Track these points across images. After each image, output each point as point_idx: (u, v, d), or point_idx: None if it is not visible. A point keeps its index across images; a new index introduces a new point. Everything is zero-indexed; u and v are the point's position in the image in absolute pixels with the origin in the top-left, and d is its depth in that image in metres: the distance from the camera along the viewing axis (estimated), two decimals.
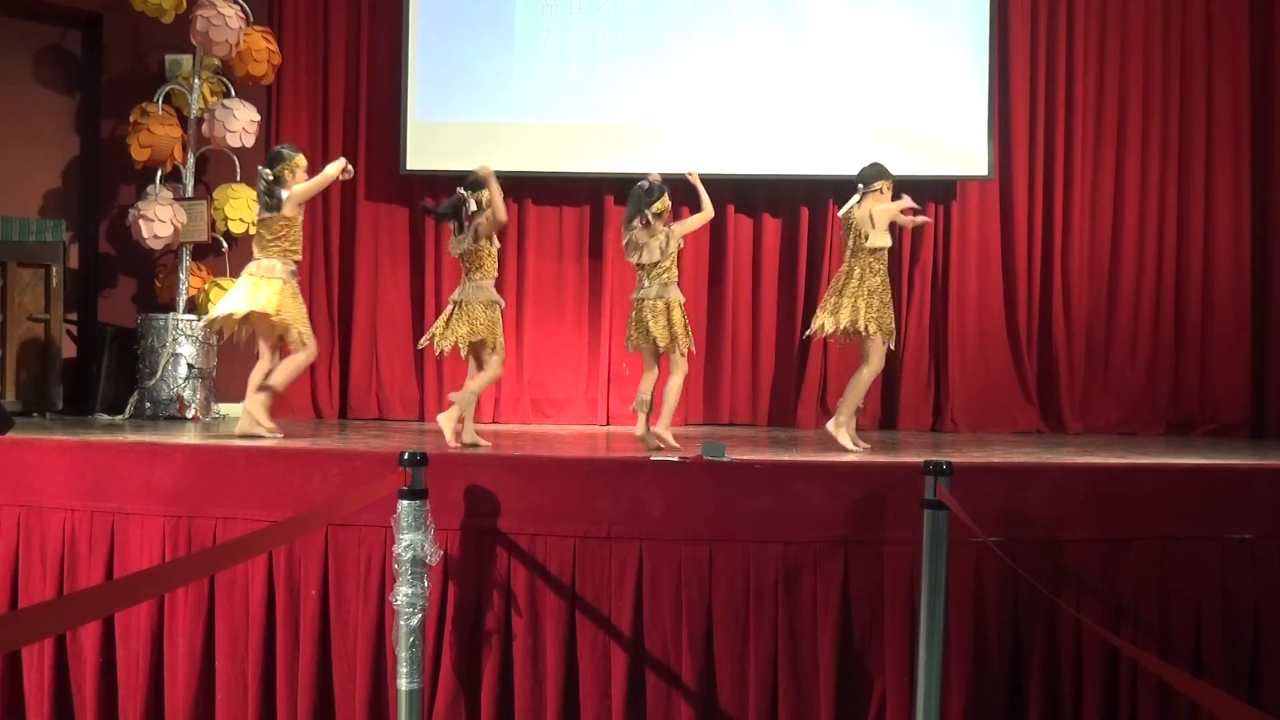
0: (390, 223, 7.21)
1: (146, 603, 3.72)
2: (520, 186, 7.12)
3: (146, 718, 3.82)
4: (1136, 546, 3.68)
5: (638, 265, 5.04)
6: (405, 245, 7.24)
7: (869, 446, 5.11)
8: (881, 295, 5.10)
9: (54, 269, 6.49)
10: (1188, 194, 7.04)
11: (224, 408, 6.81)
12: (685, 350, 5.00)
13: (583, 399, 7.14)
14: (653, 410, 5.01)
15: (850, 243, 5.20)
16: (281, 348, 5.28)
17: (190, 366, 6.52)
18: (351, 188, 7.06)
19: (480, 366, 4.98)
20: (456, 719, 3.66)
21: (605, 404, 7.09)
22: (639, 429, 5.01)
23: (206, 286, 6.61)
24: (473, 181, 5.00)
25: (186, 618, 3.79)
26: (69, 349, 6.82)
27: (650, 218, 4.99)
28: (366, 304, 7.18)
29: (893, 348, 5.26)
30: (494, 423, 6.88)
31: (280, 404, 7.05)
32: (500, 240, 5.18)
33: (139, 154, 6.61)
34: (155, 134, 6.57)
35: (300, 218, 5.24)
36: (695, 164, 6.85)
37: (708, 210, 5.29)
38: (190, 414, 6.47)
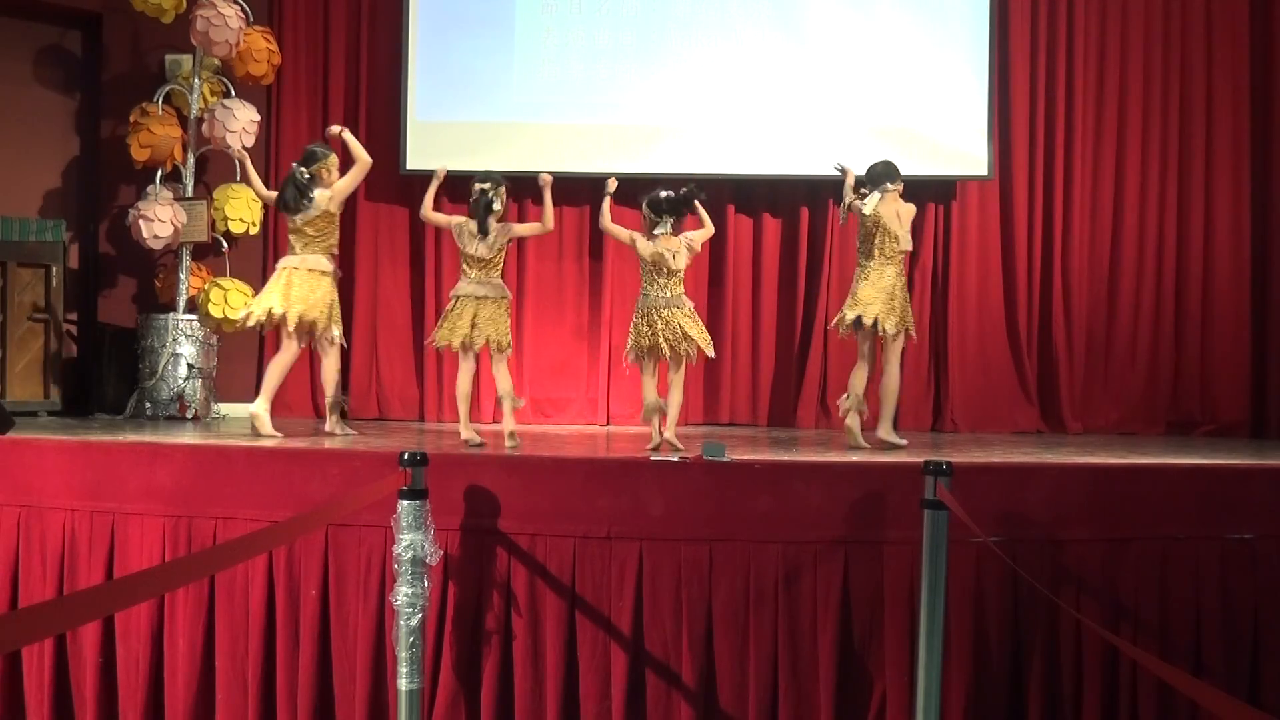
0: (390, 223, 7.21)
1: (146, 603, 3.72)
2: (520, 186, 7.11)
3: (146, 718, 3.82)
4: (1136, 546, 3.69)
5: (673, 270, 5.06)
6: (405, 245, 7.24)
7: (906, 443, 5.23)
8: (906, 296, 5.35)
9: (54, 269, 6.49)
10: (1188, 194, 7.04)
11: (224, 408, 6.81)
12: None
13: (583, 399, 7.14)
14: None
15: (878, 242, 5.25)
16: (307, 341, 5.40)
17: (190, 366, 6.52)
18: None
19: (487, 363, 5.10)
20: (456, 719, 3.66)
21: (605, 404, 7.09)
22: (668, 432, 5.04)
23: (206, 286, 6.61)
24: (483, 176, 5.13)
25: (186, 618, 3.79)
26: (69, 349, 6.83)
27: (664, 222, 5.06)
28: (366, 304, 7.18)
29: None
30: (494, 423, 6.88)
31: (280, 404, 7.07)
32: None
33: (139, 154, 6.61)
34: (155, 134, 6.57)
35: (339, 214, 5.42)
36: (695, 164, 6.93)
37: (708, 228, 5.32)
38: (190, 414, 6.47)
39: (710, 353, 5.16)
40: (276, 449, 4.36)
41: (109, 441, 4.41)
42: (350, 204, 7.17)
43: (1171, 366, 7.01)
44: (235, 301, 6.49)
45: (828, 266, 7.06)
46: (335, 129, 5.48)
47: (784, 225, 7.18)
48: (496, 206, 5.12)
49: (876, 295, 5.20)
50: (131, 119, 6.68)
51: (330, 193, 5.32)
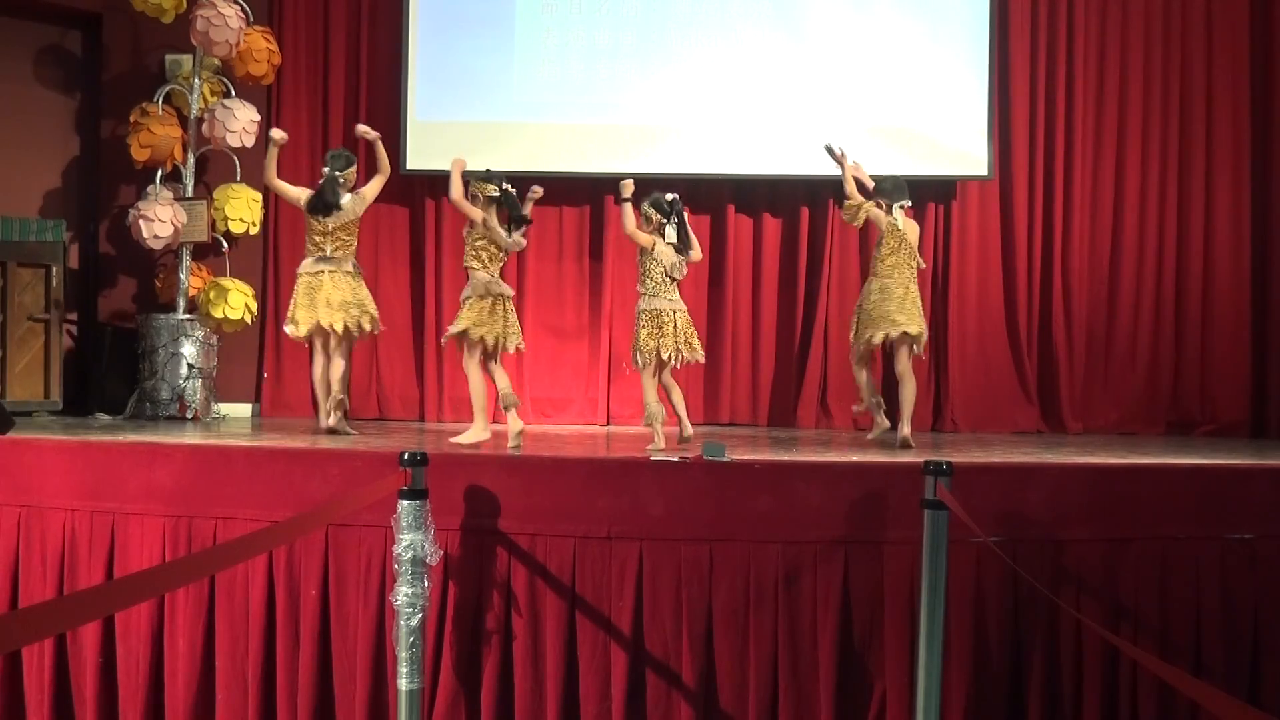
0: (390, 223, 7.21)
1: (146, 603, 3.72)
2: (521, 186, 7.11)
3: (146, 718, 3.82)
4: (1136, 546, 3.69)
5: (680, 277, 5.11)
6: (405, 245, 7.24)
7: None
8: None
9: (54, 269, 6.49)
10: (1188, 194, 7.04)
11: (224, 408, 6.81)
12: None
13: (583, 399, 7.14)
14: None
15: (905, 257, 5.44)
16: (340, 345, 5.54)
17: (190, 366, 6.52)
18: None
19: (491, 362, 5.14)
20: (456, 719, 3.66)
21: (605, 404, 7.09)
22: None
23: (206, 286, 6.61)
24: (486, 176, 5.24)
25: (186, 618, 3.79)
26: (69, 349, 6.82)
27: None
28: None
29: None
30: (494, 423, 6.87)
31: (280, 404, 7.10)
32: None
33: (139, 154, 6.61)
34: (155, 134, 6.57)
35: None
36: (695, 164, 6.94)
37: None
38: (190, 414, 6.47)
39: (702, 357, 5.29)
40: (276, 449, 4.36)
41: (109, 441, 4.41)
42: None
43: (1171, 366, 7.01)
44: (235, 302, 6.50)
45: (828, 266, 7.06)
46: (369, 133, 5.56)
47: (784, 225, 7.18)
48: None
49: (915, 312, 5.45)
50: (131, 119, 6.68)
51: (359, 197, 5.56)
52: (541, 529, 3.66)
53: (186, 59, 6.79)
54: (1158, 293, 7.03)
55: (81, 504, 3.91)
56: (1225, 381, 6.94)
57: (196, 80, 6.73)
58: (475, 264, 5.11)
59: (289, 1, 7.21)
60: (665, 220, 5.06)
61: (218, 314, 6.48)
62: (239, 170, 6.77)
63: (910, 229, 5.55)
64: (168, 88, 6.81)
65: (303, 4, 7.23)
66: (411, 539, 3.36)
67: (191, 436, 5.21)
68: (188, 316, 6.57)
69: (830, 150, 5.75)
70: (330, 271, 5.42)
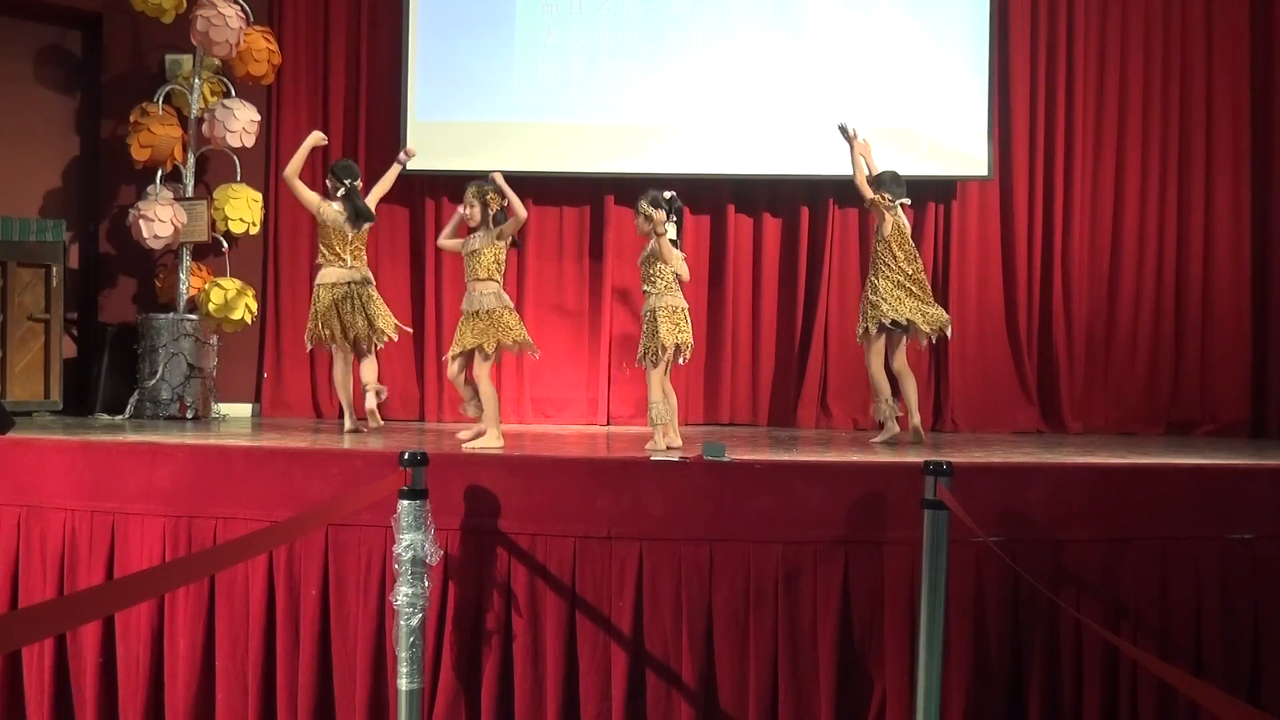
0: (390, 223, 7.21)
1: (146, 603, 3.72)
2: (520, 186, 7.09)
3: (146, 718, 3.82)
4: (1136, 546, 3.68)
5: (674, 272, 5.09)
6: (405, 245, 7.24)
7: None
8: None
9: (54, 269, 6.49)
10: (1188, 194, 7.04)
11: (224, 408, 6.81)
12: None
13: (583, 399, 7.14)
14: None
15: (909, 250, 5.62)
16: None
17: (190, 366, 6.52)
18: None
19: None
20: (456, 719, 3.66)
21: (605, 404, 7.09)
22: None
23: (206, 286, 6.61)
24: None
25: (186, 618, 3.79)
26: (69, 349, 6.82)
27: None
28: None
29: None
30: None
31: (280, 404, 7.10)
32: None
33: (139, 154, 6.61)
34: (155, 134, 6.58)
35: None
36: (696, 164, 6.94)
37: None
38: (190, 414, 6.47)
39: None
40: (276, 449, 4.36)
41: (109, 441, 4.41)
42: None
43: (1171, 366, 7.01)
44: (235, 302, 6.50)
45: (828, 266, 7.06)
46: (409, 155, 5.76)
47: (784, 225, 7.18)
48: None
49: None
50: (131, 119, 6.68)
51: (369, 203, 5.78)
52: (541, 529, 3.66)
53: (186, 59, 6.80)
54: (1158, 293, 7.03)
55: (81, 504, 3.91)
56: (1225, 381, 6.94)
57: (196, 80, 6.73)
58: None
59: (289, 1, 7.21)
60: (666, 218, 5.04)
61: (218, 314, 6.49)
62: (239, 170, 6.78)
63: (905, 224, 5.72)
64: (168, 88, 6.81)
65: (303, 4, 7.23)
66: (411, 539, 3.36)
67: (191, 436, 5.21)
68: (188, 316, 6.57)
69: (844, 129, 5.72)
70: (358, 285, 5.64)
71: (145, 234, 6.46)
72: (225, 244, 6.82)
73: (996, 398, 7.02)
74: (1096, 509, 3.70)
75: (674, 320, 5.02)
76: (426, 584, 3.39)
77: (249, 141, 6.62)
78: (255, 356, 7.15)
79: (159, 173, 6.70)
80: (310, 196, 5.68)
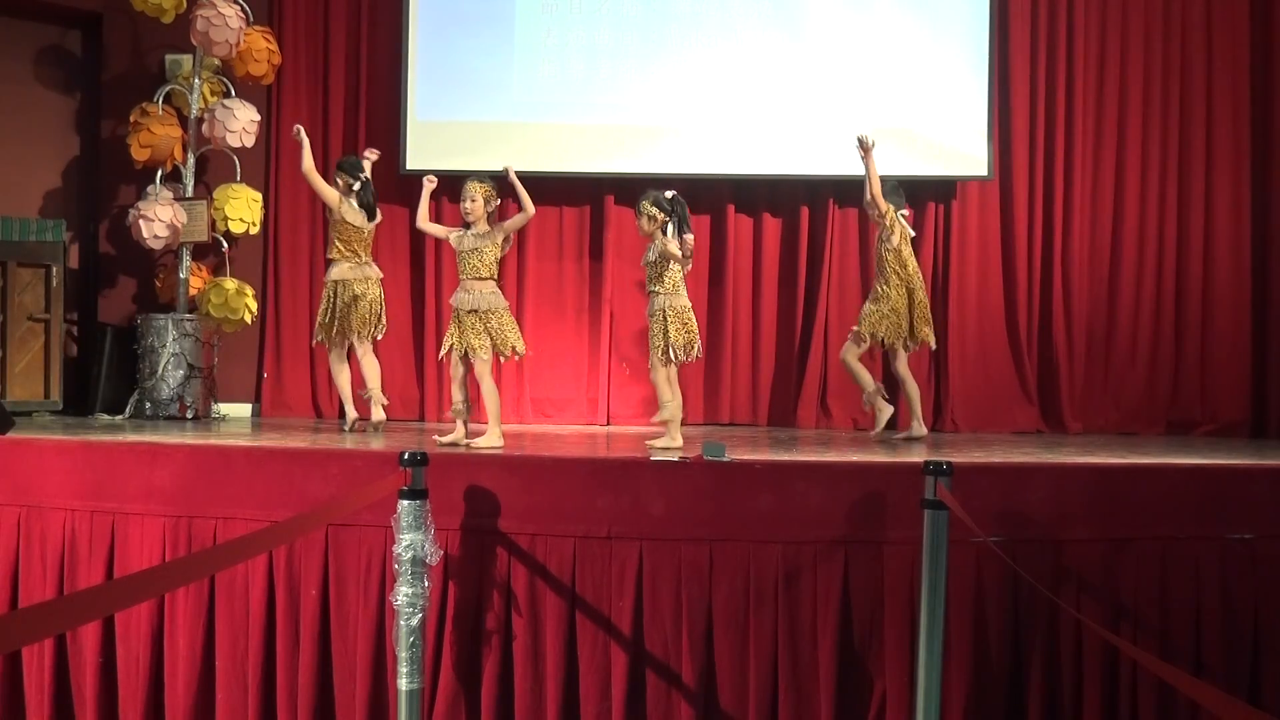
0: (390, 223, 7.18)
1: (146, 603, 3.72)
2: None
3: (146, 718, 3.82)
4: (1136, 546, 3.68)
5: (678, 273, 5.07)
6: (405, 245, 7.24)
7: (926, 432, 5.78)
8: None
9: (54, 269, 6.49)
10: (1188, 194, 7.04)
11: (224, 408, 6.81)
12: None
13: (583, 399, 7.14)
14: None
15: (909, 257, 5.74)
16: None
17: (190, 366, 6.52)
18: None
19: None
20: (456, 719, 3.66)
21: (605, 404, 7.09)
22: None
23: (206, 286, 6.61)
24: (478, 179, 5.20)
25: (186, 618, 3.79)
26: (69, 349, 6.83)
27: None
28: None
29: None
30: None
31: (280, 404, 7.10)
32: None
33: (139, 154, 6.61)
34: (155, 134, 6.58)
35: None
36: (696, 164, 6.93)
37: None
38: (190, 414, 6.47)
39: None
40: (276, 449, 4.36)
41: (109, 441, 4.41)
42: None
43: (1171, 366, 7.01)
44: (235, 302, 6.50)
45: (828, 266, 7.06)
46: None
47: (784, 225, 7.17)
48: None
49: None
50: (131, 119, 6.68)
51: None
52: (541, 529, 3.66)
53: (186, 59, 6.79)
54: (1158, 293, 7.03)
55: (81, 504, 3.91)
56: (1225, 381, 6.94)
57: (196, 80, 6.73)
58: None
59: (289, 1, 7.21)
60: (668, 219, 5.03)
61: (218, 314, 6.49)
62: (239, 170, 6.77)
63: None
64: (168, 88, 6.81)
65: (303, 4, 7.23)
66: (411, 539, 3.37)
67: (191, 436, 5.21)
68: (188, 316, 6.57)
69: (862, 141, 5.69)
70: (370, 280, 5.74)
71: (145, 234, 6.46)
72: (225, 244, 6.82)
73: (996, 398, 7.02)
74: (1096, 509, 3.70)
75: (683, 320, 5.01)
76: (426, 584, 3.40)
77: (249, 141, 6.62)
78: (255, 356, 7.15)
79: (159, 173, 6.70)
80: (331, 192, 5.72)
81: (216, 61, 6.73)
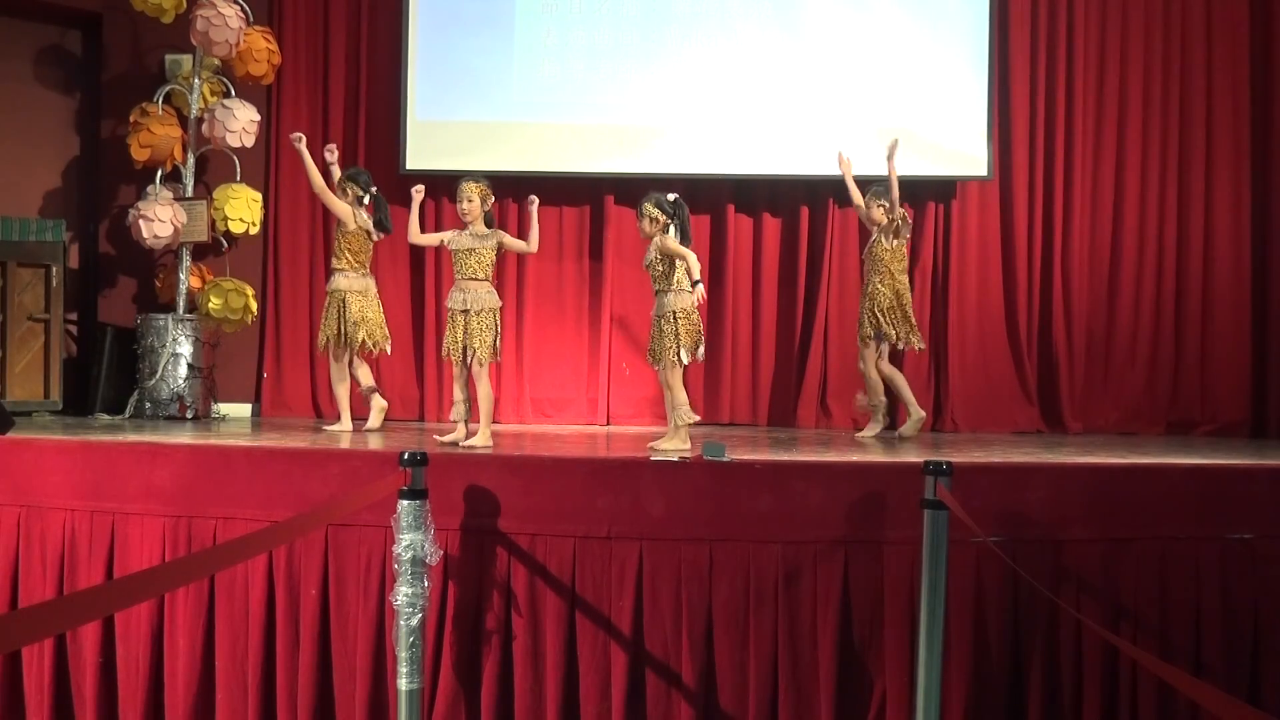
0: (399, 224, 7.21)
1: (146, 603, 3.72)
2: (520, 186, 7.12)
3: (146, 718, 3.82)
4: (1136, 546, 3.68)
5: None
6: (405, 246, 7.21)
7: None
8: None
9: (54, 269, 6.49)
10: (1188, 194, 7.04)
11: (224, 408, 6.81)
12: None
13: (583, 399, 7.14)
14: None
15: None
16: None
17: (190, 366, 6.52)
18: None
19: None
20: (456, 719, 3.66)
21: (605, 404, 7.09)
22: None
23: (206, 286, 6.61)
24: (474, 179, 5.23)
25: (186, 618, 3.79)
26: (69, 349, 6.83)
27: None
28: None
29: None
30: (495, 423, 6.88)
31: (280, 404, 7.10)
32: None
33: (139, 154, 6.61)
34: (155, 134, 6.58)
35: None
36: (696, 164, 6.94)
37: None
38: (190, 414, 6.47)
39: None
40: (276, 449, 4.36)
41: (109, 441, 4.41)
42: None
43: (1171, 366, 7.01)
44: (235, 302, 6.50)
45: (828, 266, 7.06)
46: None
47: (784, 225, 7.18)
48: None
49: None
50: (131, 119, 6.68)
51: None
52: (541, 529, 3.66)
53: (186, 59, 6.80)
54: (1158, 293, 7.03)
55: (81, 504, 3.91)
56: (1225, 381, 6.94)
57: (196, 80, 6.73)
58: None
59: (289, 1, 7.21)
60: (670, 221, 5.01)
61: (218, 314, 6.49)
62: (239, 170, 6.78)
63: None
64: (168, 88, 6.81)
65: (303, 4, 7.23)
66: (411, 539, 3.36)
67: (191, 436, 5.21)
68: (188, 316, 6.57)
69: (841, 158, 6.09)
70: (369, 295, 5.80)
71: (145, 234, 6.46)
72: (225, 244, 6.82)
73: (996, 398, 7.02)
74: (1096, 509, 3.69)
75: (691, 321, 4.98)
76: (426, 584, 3.39)
77: (249, 141, 6.62)
78: (255, 356, 7.15)
79: (159, 173, 6.70)
80: (345, 208, 5.76)
81: (216, 61, 6.73)
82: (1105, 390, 7.03)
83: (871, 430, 5.97)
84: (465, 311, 5.03)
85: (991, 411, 7.01)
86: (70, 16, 7.08)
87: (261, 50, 6.71)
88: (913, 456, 4.54)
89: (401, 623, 3.39)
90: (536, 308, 7.14)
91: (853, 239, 7.08)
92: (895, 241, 5.87)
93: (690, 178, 6.83)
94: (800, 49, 6.98)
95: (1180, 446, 5.87)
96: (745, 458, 3.94)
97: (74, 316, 6.98)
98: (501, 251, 5.21)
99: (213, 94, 6.81)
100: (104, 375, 6.68)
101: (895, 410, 6.20)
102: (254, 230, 6.83)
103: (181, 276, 6.66)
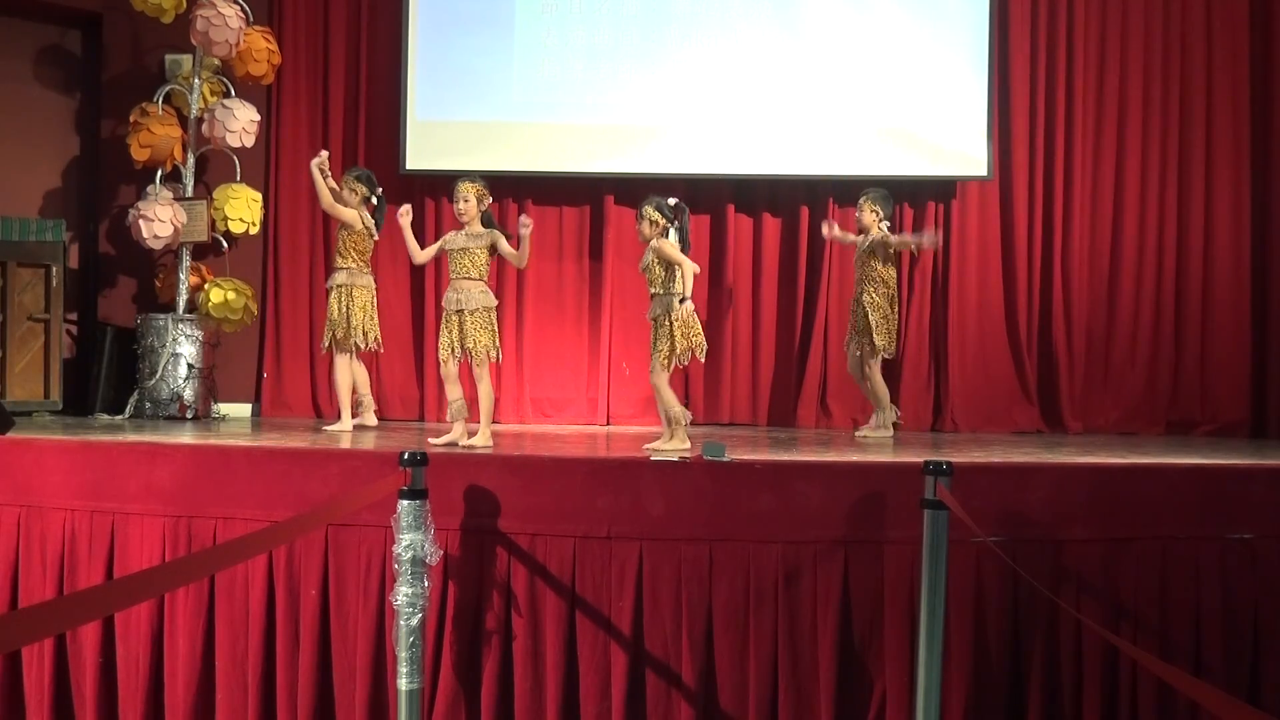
0: (390, 225, 7.17)
1: (146, 603, 3.72)
2: (520, 186, 7.13)
3: (146, 718, 3.82)
4: (1136, 546, 3.68)
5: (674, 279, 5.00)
6: (406, 245, 7.22)
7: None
8: None
9: (54, 269, 6.49)
10: (1188, 194, 7.04)
11: (224, 408, 6.81)
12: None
13: (583, 399, 7.14)
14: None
15: None
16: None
17: (190, 366, 6.52)
18: None
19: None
20: (456, 719, 3.66)
21: (605, 404, 7.09)
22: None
23: (206, 286, 6.61)
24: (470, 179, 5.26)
25: (186, 618, 3.79)
26: (69, 349, 6.82)
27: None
28: None
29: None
30: (494, 423, 6.87)
31: (280, 404, 7.10)
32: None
33: (139, 154, 6.61)
34: (155, 134, 6.58)
35: None
36: (696, 164, 6.93)
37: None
38: (190, 414, 6.47)
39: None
40: (276, 449, 4.36)
41: (109, 441, 4.41)
42: None
43: (1171, 366, 7.01)
44: (235, 302, 6.50)
45: (828, 266, 7.06)
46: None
47: (784, 225, 7.17)
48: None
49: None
50: (131, 119, 6.68)
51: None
52: (541, 529, 3.66)
53: (186, 59, 6.80)
54: (1158, 293, 7.03)
55: (81, 504, 3.91)
56: (1225, 381, 6.94)
57: (196, 80, 6.73)
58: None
59: (289, 1, 7.21)
60: (669, 225, 5.00)
61: (217, 314, 6.49)
62: (239, 170, 6.77)
63: None
64: (168, 88, 6.81)
65: (303, 4, 7.23)
66: (411, 539, 3.37)
67: (191, 436, 5.21)
68: (188, 316, 6.57)
69: (827, 237, 6.51)
70: (369, 289, 5.90)
71: (145, 234, 6.46)
72: (225, 244, 6.82)
73: (996, 398, 7.02)
74: (1096, 509, 3.70)
75: (690, 323, 4.97)
76: (426, 584, 3.39)
77: (249, 141, 6.62)
78: (255, 356, 7.15)
79: (159, 173, 6.70)
80: (353, 214, 5.83)
81: (216, 61, 6.73)
82: (1105, 390, 7.03)
83: (877, 429, 6.03)
84: (460, 311, 5.02)
85: (991, 411, 7.01)
86: (70, 16, 7.08)
87: (261, 50, 6.71)
88: (913, 456, 4.54)
89: (401, 623, 3.39)
90: (536, 308, 7.14)
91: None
92: (887, 254, 6.03)
93: (690, 178, 6.83)
94: (800, 49, 6.98)
95: (1180, 446, 5.86)
96: (745, 458, 3.94)
97: (74, 316, 6.98)
98: (497, 252, 5.20)
99: (213, 94, 6.81)
100: (104, 375, 6.68)
101: (895, 405, 6.25)
102: (254, 230, 6.83)
103: (181, 276, 6.66)
